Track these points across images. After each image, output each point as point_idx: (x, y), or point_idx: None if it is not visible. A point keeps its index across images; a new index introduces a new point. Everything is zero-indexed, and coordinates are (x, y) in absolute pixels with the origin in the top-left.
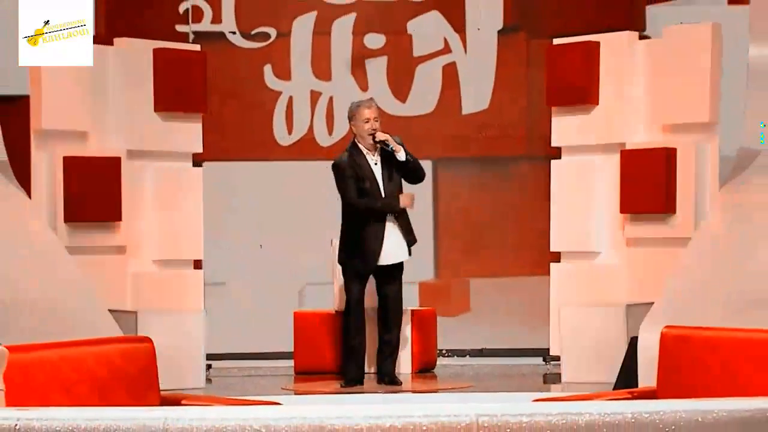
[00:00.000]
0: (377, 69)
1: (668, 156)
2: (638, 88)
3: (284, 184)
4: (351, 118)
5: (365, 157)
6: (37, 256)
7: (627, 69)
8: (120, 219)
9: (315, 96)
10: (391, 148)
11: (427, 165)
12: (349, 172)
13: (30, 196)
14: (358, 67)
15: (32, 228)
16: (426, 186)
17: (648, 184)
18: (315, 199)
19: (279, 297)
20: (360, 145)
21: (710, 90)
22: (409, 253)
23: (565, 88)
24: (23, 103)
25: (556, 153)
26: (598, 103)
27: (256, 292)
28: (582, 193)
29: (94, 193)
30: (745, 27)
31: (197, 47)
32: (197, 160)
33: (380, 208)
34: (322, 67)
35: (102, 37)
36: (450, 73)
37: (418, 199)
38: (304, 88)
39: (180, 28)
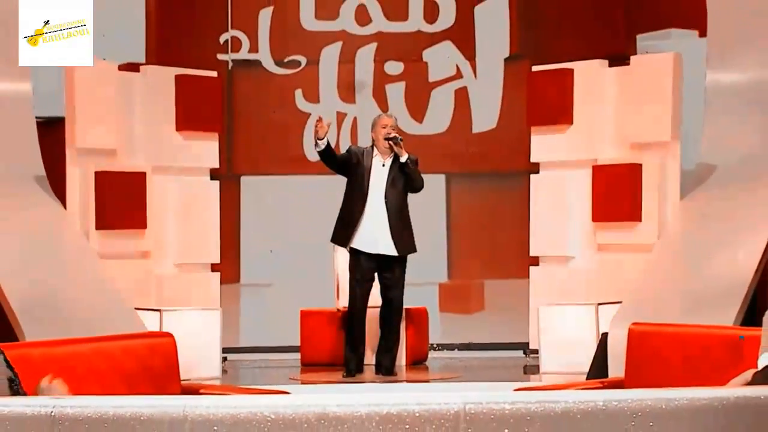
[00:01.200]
0: (396, 93)
1: (635, 171)
2: (608, 110)
3: (313, 195)
4: (373, 126)
5: (374, 158)
6: (72, 260)
7: (598, 93)
8: (145, 227)
9: (341, 117)
10: (399, 140)
11: (440, 179)
12: (351, 150)
13: (65, 207)
14: (379, 91)
15: (67, 235)
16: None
17: (617, 195)
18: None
19: (289, 296)
20: (375, 149)
21: (672, 112)
22: (400, 254)
23: (543, 109)
24: (59, 124)
25: (535, 168)
26: (572, 123)
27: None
28: (558, 204)
29: (122, 204)
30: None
31: (214, 73)
32: (215, 175)
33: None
34: (346, 92)
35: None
36: (461, 97)
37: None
38: (331, 110)
39: (221, 56)
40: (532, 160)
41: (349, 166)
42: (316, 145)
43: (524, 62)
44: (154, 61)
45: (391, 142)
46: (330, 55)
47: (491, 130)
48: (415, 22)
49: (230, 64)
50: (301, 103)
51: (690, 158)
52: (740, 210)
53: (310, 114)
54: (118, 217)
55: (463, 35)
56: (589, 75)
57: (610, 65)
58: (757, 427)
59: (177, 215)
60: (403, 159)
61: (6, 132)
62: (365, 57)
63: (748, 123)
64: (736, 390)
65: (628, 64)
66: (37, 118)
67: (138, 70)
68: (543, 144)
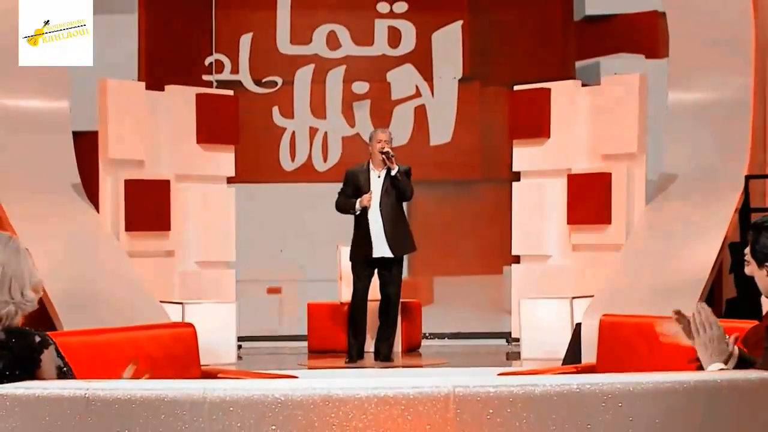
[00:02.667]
0: (362, 110)
1: (605, 179)
2: (581, 125)
3: (290, 202)
4: (370, 139)
5: (371, 171)
6: (104, 259)
7: (572, 110)
8: (169, 229)
9: (313, 131)
10: (390, 155)
11: None
12: (348, 178)
13: (98, 211)
14: (347, 108)
15: (100, 237)
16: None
17: (589, 201)
18: (322, 213)
19: (296, 290)
20: (371, 162)
21: (638, 127)
22: (395, 256)
23: (524, 124)
24: (93, 137)
25: (516, 176)
26: (549, 137)
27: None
28: (537, 208)
29: (148, 209)
30: (662, 77)
31: (230, 92)
32: (230, 182)
33: (340, 204)
34: (318, 109)
35: (148, 84)
36: (420, 113)
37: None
38: (304, 125)
39: (206, 77)
40: (514, 169)
41: (358, 193)
42: (355, 209)
43: (475, 83)
44: (147, 80)
45: (384, 156)
46: (303, 76)
47: (446, 143)
48: (380, 47)
49: (214, 84)
50: (278, 118)
51: (654, 169)
52: (698, 214)
53: (285, 128)
54: (145, 220)
55: (421, 59)
56: (564, 94)
57: (583, 85)
58: (711, 406)
59: (197, 218)
60: (394, 172)
61: (46, 145)
62: (335, 78)
63: (705, 138)
64: (695, 374)
65: (599, 83)
66: (73, 132)
67: (163, 89)
68: (523, 155)
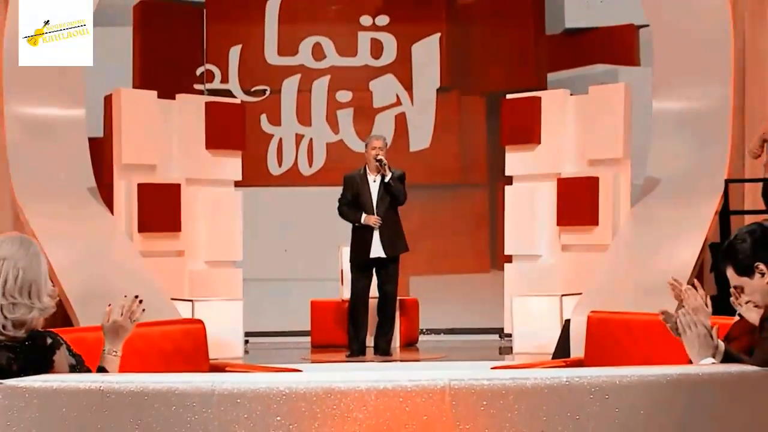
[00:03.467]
0: (346, 117)
1: (593, 183)
2: (570, 132)
3: (278, 205)
4: (366, 146)
5: (367, 176)
6: (118, 258)
7: (561, 118)
8: (180, 230)
9: (299, 138)
10: (383, 163)
11: None
12: (347, 183)
13: (113, 213)
14: (331, 115)
15: (114, 237)
16: None
17: (578, 203)
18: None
19: (299, 288)
20: (367, 167)
21: (623, 133)
22: (389, 256)
23: (515, 131)
24: (96, 143)
25: (509, 180)
26: (540, 143)
27: (281, 284)
28: (528, 211)
29: (160, 211)
30: (638, 86)
31: (238, 101)
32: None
33: (344, 214)
34: (304, 116)
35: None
36: (401, 121)
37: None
38: (291, 132)
39: (197, 86)
40: (507, 173)
41: (357, 198)
42: (359, 222)
43: (453, 92)
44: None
45: (377, 163)
46: (290, 86)
47: (425, 149)
48: (363, 58)
49: (205, 93)
50: (266, 125)
51: (639, 173)
52: (680, 216)
53: (273, 135)
54: (157, 222)
55: (402, 69)
56: (554, 102)
57: (571, 94)
58: (693, 397)
59: (206, 220)
60: (387, 178)
61: (64, 150)
62: (320, 87)
63: (687, 144)
64: (678, 367)
65: (586, 93)
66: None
67: (174, 98)
68: (515, 160)
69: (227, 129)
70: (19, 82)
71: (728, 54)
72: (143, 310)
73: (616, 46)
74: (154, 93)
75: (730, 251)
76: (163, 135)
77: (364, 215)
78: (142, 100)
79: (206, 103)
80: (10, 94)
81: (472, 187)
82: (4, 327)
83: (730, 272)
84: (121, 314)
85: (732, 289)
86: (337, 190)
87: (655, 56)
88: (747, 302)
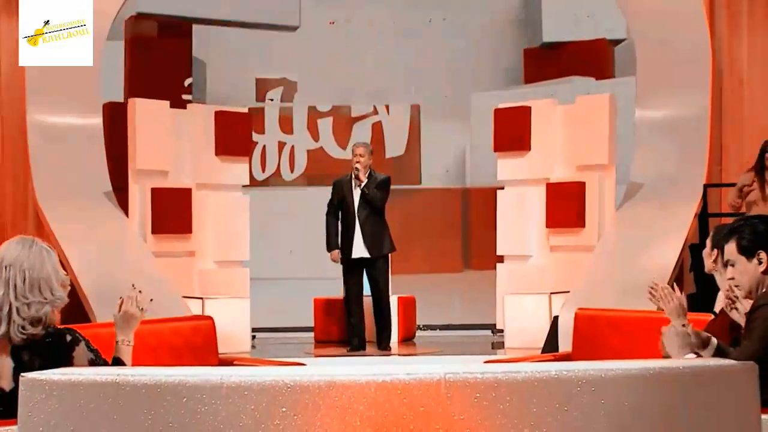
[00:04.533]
0: (325, 126)
1: (580, 187)
2: (558, 139)
3: (267, 207)
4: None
5: (351, 182)
6: (132, 258)
7: (550, 125)
8: (190, 231)
9: (281, 145)
10: (357, 173)
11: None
12: (335, 188)
13: (127, 216)
14: (312, 124)
15: (129, 239)
16: None
17: (565, 207)
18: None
19: (303, 287)
20: (352, 174)
21: (608, 141)
22: (374, 256)
23: (507, 138)
24: (109, 147)
25: (500, 186)
26: (530, 150)
27: (286, 283)
28: (519, 214)
29: (172, 214)
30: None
31: (245, 110)
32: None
33: (326, 229)
34: (286, 125)
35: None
36: (377, 129)
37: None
38: (274, 140)
39: (185, 96)
40: (498, 179)
41: (343, 202)
42: (330, 249)
43: None
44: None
45: (355, 172)
46: (274, 97)
47: (400, 156)
48: None
49: (194, 102)
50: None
51: (623, 178)
52: (662, 218)
53: (257, 142)
54: (169, 224)
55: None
56: (543, 111)
57: (559, 103)
58: (673, 390)
59: (215, 222)
60: (361, 186)
61: (82, 157)
62: (301, 98)
63: (668, 151)
64: (659, 362)
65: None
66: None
67: (185, 107)
68: (506, 166)
69: (235, 136)
70: (41, 92)
71: (707, 65)
72: (150, 299)
73: (591, 59)
74: (167, 103)
75: (741, 229)
76: (175, 142)
77: (332, 252)
78: (154, 110)
79: (216, 113)
80: (32, 104)
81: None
82: (23, 327)
83: (731, 246)
84: (131, 304)
85: (727, 286)
86: (321, 192)
87: (638, 68)
88: (730, 279)
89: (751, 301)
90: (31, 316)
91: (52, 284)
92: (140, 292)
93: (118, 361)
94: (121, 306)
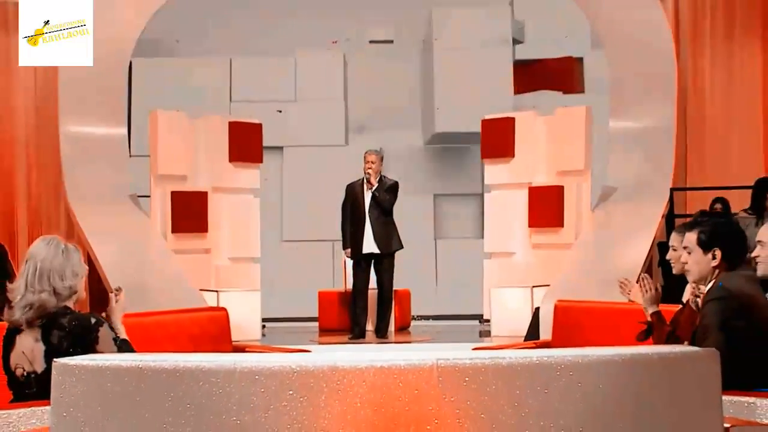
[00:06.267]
0: None
1: (559, 191)
2: (540, 147)
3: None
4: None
5: (363, 186)
6: (154, 255)
7: (532, 135)
8: (206, 231)
9: None
10: (368, 178)
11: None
12: (347, 192)
13: (150, 217)
14: None
15: (151, 237)
16: None
17: (546, 208)
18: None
19: (308, 281)
20: (364, 178)
21: (585, 148)
22: (383, 252)
23: (493, 146)
24: (145, 157)
25: (487, 189)
26: (514, 156)
27: (293, 277)
28: (504, 215)
29: (190, 215)
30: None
31: (257, 120)
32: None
33: (341, 229)
34: None
35: None
36: None
37: None
38: None
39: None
40: (486, 183)
41: (355, 205)
42: (345, 246)
43: None
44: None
45: (366, 177)
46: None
47: None
48: None
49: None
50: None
51: (598, 182)
52: (632, 219)
53: None
54: (187, 224)
55: None
56: (526, 122)
57: (541, 115)
58: (644, 373)
59: (229, 223)
60: (372, 189)
61: (108, 164)
62: None
63: (638, 158)
64: (631, 348)
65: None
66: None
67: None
68: (492, 171)
69: (247, 145)
70: (72, 105)
71: (672, 81)
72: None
73: (562, 75)
74: (184, 115)
75: (705, 224)
76: (193, 150)
77: (346, 250)
78: (175, 121)
79: (229, 123)
80: (64, 116)
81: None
82: (31, 307)
83: (692, 236)
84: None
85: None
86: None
87: (611, 84)
88: (681, 262)
89: (702, 288)
90: (32, 301)
91: (64, 276)
92: (119, 288)
93: (126, 342)
94: (121, 295)
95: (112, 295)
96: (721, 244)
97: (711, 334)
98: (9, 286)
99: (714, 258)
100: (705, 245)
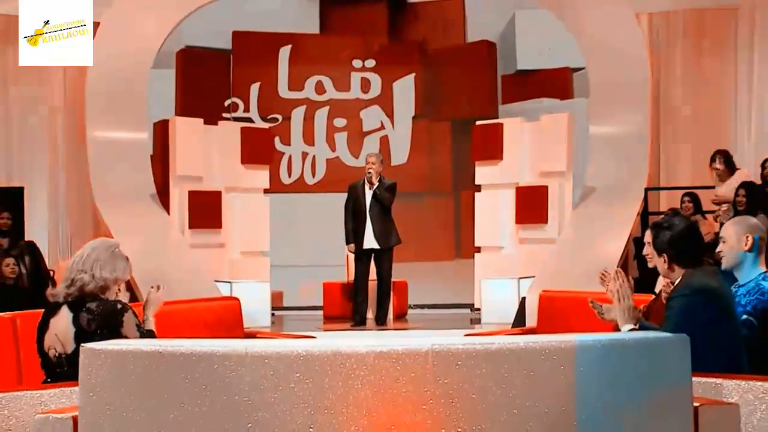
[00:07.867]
0: (341, 139)
1: (543, 190)
2: (525, 150)
3: (292, 207)
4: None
5: (364, 186)
6: (173, 249)
7: (518, 139)
8: (221, 227)
9: (304, 155)
10: (369, 178)
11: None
12: (350, 191)
13: (169, 214)
14: (330, 137)
15: (170, 233)
16: None
17: (531, 206)
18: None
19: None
20: (365, 178)
21: (567, 152)
22: (382, 247)
23: (483, 149)
24: (158, 158)
25: (476, 188)
26: (502, 159)
27: (299, 269)
28: (493, 212)
29: (205, 212)
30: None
31: (267, 126)
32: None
33: (345, 224)
34: (309, 138)
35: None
36: (384, 141)
37: None
38: (298, 150)
39: (225, 114)
40: (476, 183)
41: (357, 203)
42: (348, 241)
43: (425, 119)
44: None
45: (367, 176)
46: (298, 114)
47: (403, 164)
48: (355, 92)
49: (231, 120)
50: (279, 145)
51: (579, 183)
52: (611, 217)
53: (284, 153)
54: (203, 220)
55: (385, 101)
56: (513, 127)
57: (527, 120)
58: (622, 357)
59: (242, 219)
60: (373, 188)
61: (131, 165)
62: (321, 115)
63: (615, 160)
64: (609, 334)
65: (538, 120)
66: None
67: (217, 124)
68: (483, 172)
69: (258, 148)
70: (98, 111)
71: (647, 89)
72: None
73: (556, 83)
74: (201, 120)
75: (659, 230)
76: (208, 153)
77: (348, 245)
78: (191, 126)
79: (242, 128)
80: (91, 121)
81: (438, 195)
82: (72, 283)
83: (649, 236)
84: (161, 292)
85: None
86: (337, 196)
87: (591, 92)
88: (647, 254)
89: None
90: (75, 279)
91: (104, 268)
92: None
93: (150, 333)
94: (157, 290)
95: (151, 289)
96: (667, 251)
97: (673, 321)
98: (60, 263)
99: (665, 261)
100: (657, 249)
